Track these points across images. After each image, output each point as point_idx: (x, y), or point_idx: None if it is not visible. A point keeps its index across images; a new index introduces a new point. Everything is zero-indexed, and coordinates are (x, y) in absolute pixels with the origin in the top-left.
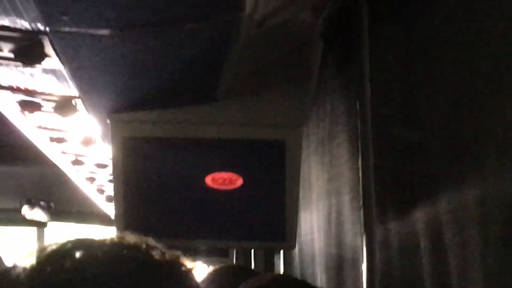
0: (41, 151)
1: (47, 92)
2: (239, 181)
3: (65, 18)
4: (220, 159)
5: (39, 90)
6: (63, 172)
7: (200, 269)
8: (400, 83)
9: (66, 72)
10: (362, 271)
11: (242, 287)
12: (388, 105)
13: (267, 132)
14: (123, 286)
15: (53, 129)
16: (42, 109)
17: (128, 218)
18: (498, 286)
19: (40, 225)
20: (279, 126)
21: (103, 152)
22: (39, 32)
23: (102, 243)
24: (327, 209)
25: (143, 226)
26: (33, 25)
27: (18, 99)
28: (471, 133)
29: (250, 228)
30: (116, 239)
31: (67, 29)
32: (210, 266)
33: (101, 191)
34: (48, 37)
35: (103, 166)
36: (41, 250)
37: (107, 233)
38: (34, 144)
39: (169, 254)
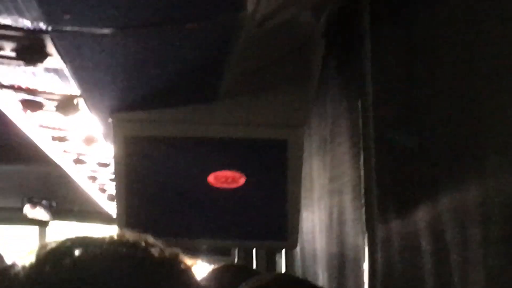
0: (43, 150)
1: (49, 91)
2: (242, 180)
3: (67, 17)
4: (222, 158)
5: (41, 89)
6: (64, 171)
7: (201, 268)
8: (401, 83)
9: (68, 71)
10: (363, 270)
11: (243, 287)
12: (390, 105)
13: (269, 131)
14: (122, 284)
15: (54, 128)
16: (44, 108)
17: (130, 217)
18: (500, 286)
19: (42, 224)
20: (281, 126)
21: (105, 151)
22: (41, 31)
23: (101, 241)
24: (328, 208)
25: (145, 225)
26: (35, 24)
27: (20, 98)
28: (472, 132)
29: (251, 227)
30: (115, 237)
31: (69, 28)
32: (212, 265)
33: (102, 190)
34: (50, 36)
35: (105, 165)
36: (41, 248)
37: (109, 232)
38: (35, 143)
39: (168, 252)
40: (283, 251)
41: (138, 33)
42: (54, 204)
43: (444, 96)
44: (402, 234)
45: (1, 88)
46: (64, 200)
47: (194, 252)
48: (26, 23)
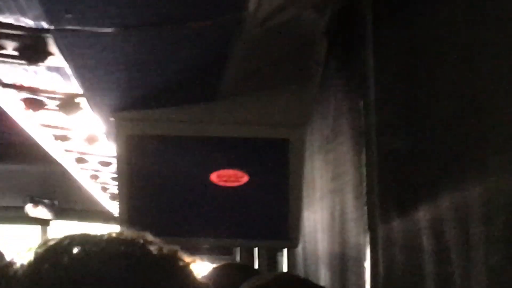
0: (45, 149)
1: (50, 90)
2: (244, 178)
3: (68, 16)
4: (224, 157)
5: (42, 88)
6: (66, 170)
7: (203, 267)
8: (403, 82)
9: (70, 70)
10: (365, 269)
11: (244, 286)
12: (391, 104)
13: (271, 130)
14: (121, 282)
15: (57, 127)
16: (46, 107)
17: (132, 216)
18: (502, 285)
19: (44, 223)
20: (283, 125)
21: (107, 150)
22: (43, 30)
23: (99, 239)
24: (330, 207)
25: (147, 224)
26: (37, 23)
27: (22, 97)
28: (473, 132)
29: (253, 227)
30: (113, 235)
31: (70, 27)
32: (213, 264)
33: (104, 189)
34: (52, 35)
35: (107, 164)
36: (39, 246)
37: (108, 229)
38: (37, 142)
39: (166, 249)
40: (285, 250)
41: (139, 32)
42: (56, 203)
43: (445, 96)
44: (403, 233)
45: (3, 87)
46: (66, 199)
47: (196, 251)
48: (28, 22)
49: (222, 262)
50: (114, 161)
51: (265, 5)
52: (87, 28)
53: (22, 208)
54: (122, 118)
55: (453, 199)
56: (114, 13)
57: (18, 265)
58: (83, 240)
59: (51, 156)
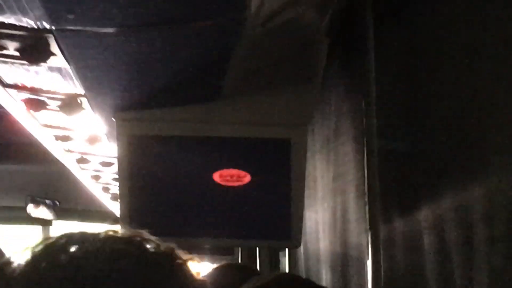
0: (46, 150)
1: (52, 90)
2: (247, 178)
3: (70, 16)
4: (226, 157)
5: (44, 89)
6: (68, 170)
7: (204, 267)
8: (404, 82)
9: (72, 70)
10: (366, 269)
11: (245, 286)
12: (393, 104)
13: (273, 130)
14: (118, 280)
15: (58, 128)
16: (47, 107)
17: (133, 216)
18: (503, 284)
19: (46, 223)
20: (285, 125)
21: (108, 150)
22: (45, 30)
23: (96, 238)
24: (332, 207)
25: (148, 224)
26: (38, 24)
27: (24, 98)
28: (475, 132)
29: (255, 227)
30: (110, 233)
31: (72, 27)
32: (215, 264)
33: (106, 190)
34: (54, 36)
35: (109, 164)
36: (36, 245)
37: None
38: (39, 143)
39: (163, 247)
40: (287, 250)
41: (141, 32)
42: (57, 203)
43: (446, 96)
44: (405, 233)
45: (5, 88)
46: (68, 199)
47: (197, 251)
48: (29, 22)
49: (223, 262)
50: (116, 162)
51: (267, 6)
52: (88, 29)
53: (24, 208)
54: (123, 118)
55: (454, 199)
56: (116, 13)
57: (15, 264)
58: (80, 238)
59: (52, 157)
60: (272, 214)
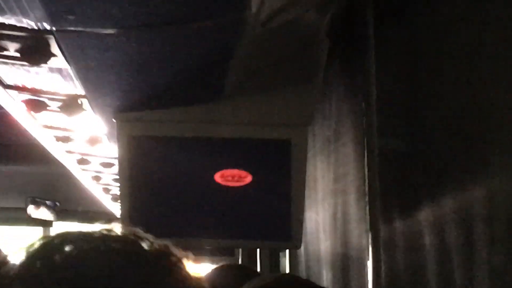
0: (47, 151)
1: (53, 91)
2: (248, 178)
3: (71, 17)
4: (226, 158)
5: (45, 90)
6: (69, 171)
7: (204, 268)
8: (405, 82)
9: (72, 71)
10: (367, 270)
11: (246, 287)
12: (393, 105)
13: (273, 131)
14: (113, 279)
15: (58, 129)
16: (48, 108)
17: (134, 217)
18: (504, 284)
19: (46, 224)
20: (285, 125)
21: (109, 151)
22: (45, 31)
23: (91, 237)
24: (332, 208)
25: (149, 225)
26: (39, 24)
27: (24, 99)
28: (476, 132)
29: (255, 227)
30: (104, 232)
31: (73, 28)
32: (215, 265)
33: (107, 190)
34: (54, 36)
35: (109, 165)
36: (31, 245)
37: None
38: (40, 144)
39: (158, 245)
40: (287, 251)
41: (142, 33)
42: (58, 204)
43: (447, 96)
44: (405, 234)
45: (6, 89)
46: (68, 200)
47: (198, 252)
48: (30, 23)
49: (223, 263)
50: (116, 162)
51: (267, 6)
52: (89, 29)
53: (24, 209)
54: (124, 119)
55: (454, 199)
56: (116, 14)
57: (10, 264)
58: (75, 238)
59: (53, 158)
60: (273, 214)
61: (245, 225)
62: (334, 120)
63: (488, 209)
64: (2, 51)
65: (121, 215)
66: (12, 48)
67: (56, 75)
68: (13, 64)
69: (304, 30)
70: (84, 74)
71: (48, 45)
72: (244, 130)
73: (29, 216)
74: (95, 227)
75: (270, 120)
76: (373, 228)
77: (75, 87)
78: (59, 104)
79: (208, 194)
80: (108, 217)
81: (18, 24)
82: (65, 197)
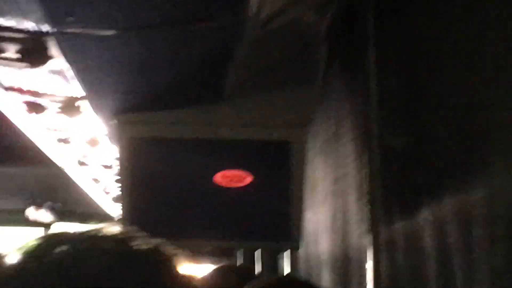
0: (46, 152)
1: (52, 93)
2: (248, 179)
3: (70, 19)
4: (226, 159)
5: (44, 91)
6: (68, 173)
7: (205, 269)
8: (405, 83)
9: (72, 72)
10: (367, 271)
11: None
12: (394, 105)
13: (273, 132)
14: (106, 278)
15: (58, 130)
16: (48, 110)
17: (134, 218)
18: (504, 285)
19: (46, 225)
20: (285, 127)
21: (108, 153)
22: (45, 33)
23: (83, 237)
24: (333, 209)
25: (150, 226)
26: (38, 26)
27: (24, 100)
28: (476, 133)
29: (255, 228)
30: (95, 232)
31: (72, 30)
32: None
33: (106, 192)
34: (54, 38)
35: (108, 167)
36: (24, 246)
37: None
38: (39, 145)
39: (149, 243)
40: (287, 252)
41: (141, 34)
42: (58, 206)
43: (447, 97)
44: (406, 235)
45: (5, 90)
46: (68, 202)
47: (198, 253)
48: (29, 25)
49: (223, 264)
50: (115, 164)
51: (267, 7)
52: (88, 31)
53: (24, 210)
54: (124, 120)
55: (455, 200)
56: (116, 15)
57: (5, 265)
58: (67, 238)
59: (53, 159)
60: (273, 215)
61: (245, 226)
62: (334, 120)
63: (489, 209)
64: (2, 53)
65: (121, 216)
66: (11, 50)
67: (56, 77)
68: (12, 66)
69: (303, 31)
70: (84, 75)
71: (47, 47)
72: (244, 131)
73: (29, 218)
74: (88, 227)
75: (270, 121)
76: (373, 229)
77: (75, 89)
78: (59, 105)
79: (208, 195)
80: (108, 219)
81: (18, 26)
82: (65, 198)
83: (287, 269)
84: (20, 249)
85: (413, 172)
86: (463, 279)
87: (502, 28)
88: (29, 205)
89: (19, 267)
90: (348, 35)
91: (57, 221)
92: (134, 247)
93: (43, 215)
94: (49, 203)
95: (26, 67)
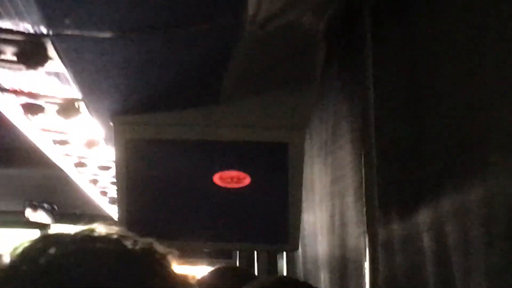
0: (44, 154)
1: (49, 95)
2: (247, 180)
3: (67, 21)
4: (224, 160)
5: (42, 93)
6: (66, 174)
7: (202, 270)
8: (403, 84)
9: (69, 74)
10: (365, 272)
11: None
12: (391, 107)
13: (270, 134)
14: (98, 279)
15: (56, 132)
16: (45, 111)
17: (131, 220)
18: (503, 286)
19: (43, 227)
20: (282, 128)
21: (106, 154)
22: (42, 35)
23: (74, 238)
24: (330, 210)
25: (146, 228)
26: (35, 28)
27: (21, 102)
28: (474, 133)
29: (253, 230)
30: (86, 232)
31: (69, 31)
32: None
33: (104, 193)
34: (51, 40)
35: (106, 168)
36: (15, 249)
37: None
38: (37, 147)
39: (141, 243)
40: (284, 253)
41: (138, 36)
42: (55, 207)
43: (446, 97)
44: (403, 236)
45: (3, 92)
46: (66, 203)
47: (196, 255)
48: (26, 26)
49: (220, 265)
50: (113, 165)
51: (264, 8)
52: (85, 33)
53: (22, 212)
54: (121, 122)
55: (453, 201)
56: (113, 17)
57: None
58: (58, 239)
59: (50, 161)
60: (270, 217)
61: (243, 228)
62: (331, 122)
63: (487, 210)
64: None
65: (118, 217)
66: (8, 52)
67: (53, 79)
68: (10, 68)
69: (301, 32)
70: (81, 77)
71: (44, 49)
72: (241, 132)
73: (27, 219)
74: (79, 228)
75: (267, 122)
76: (371, 230)
77: (72, 91)
78: (56, 107)
79: (205, 197)
80: (107, 220)
81: (15, 28)
82: (63, 200)
83: (284, 271)
84: (13, 250)
85: (411, 173)
86: (461, 279)
87: (502, 28)
88: (27, 206)
89: (11, 270)
90: (346, 36)
91: (55, 222)
92: (127, 247)
93: (40, 216)
94: (46, 204)
95: (23, 69)
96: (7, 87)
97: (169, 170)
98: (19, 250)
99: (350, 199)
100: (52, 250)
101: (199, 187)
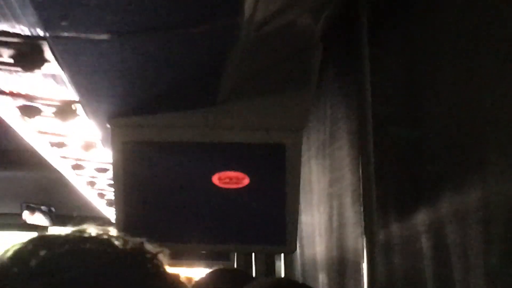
0: (41, 156)
1: (46, 97)
2: (246, 180)
3: (64, 23)
4: (222, 161)
5: (39, 95)
6: (63, 176)
7: (200, 272)
8: (400, 85)
9: (66, 77)
10: (363, 273)
11: None
12: (389, 108)
13: (267, 135)
14: (90, 279)
15: (53, 134)
16: (42, 114)
17: (128, 222)
18: (501, 286)
19: (41, 229)
20: (279, 130)
21: (103, 156)
22: (39, 37)
23: (65, 239)
24: (328, 212)
25: (144, 230)
26: (32, 30)
27: (18, 104)
28: (473, 135)
29: (250, 231)
30: (76, 234)
31: (66, 34)
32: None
33: (101, 195)
34: (48, 42)
35: (103, 170)
36: (5, 252)
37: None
38: (34, 149)
39: (132, 242)
40: (282, 255)
41: (135, 38)
42: (52, 209)
43: (444, 99)
44: (401, 237)
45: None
46: (63, 205)
47: (193, 257)
48: (23, 29)
49: (217, 267)
50: (110, 168)
51: (261, 10)
52: (82, 35)
53: (19, 215)
54: (118, 124)
55: (452, 202)
56: (110, 20)
57: None
58: (48, 241)
59: (47, 163)
60: (268, 218)
61: (240, 229)
62: (329, 123)
63: (486, 211)
64: None
65: (115, 220)
66: (5, 54)
67: (50, 81)
68: (7, 70)
69: (298, 34)
70: (78, 79)
71: (41, 51)
72: (238, 134)
73: (24, 222)
74: (68, 230)
75: (265, 124)
76: (368, 232)
77: (69, 93)
78: (53, 109)
79: (202, 199)
80: (104, 222)
81: (11, 30)
82: (60, 202)
83: (282, 272)
84: (4, 253)
85: (409, 174)
86: (459, 281)
87: (502, 28)
88: (24, 209)
89: (3, 271)
90: (342, 38)
91: (52, 225)
92: (118, 247)
93: (38, 219)
94: (44, 207)
95: (20, 71)
96: (4, 89)
97: (167, 172)
98: (10, 252)
99: (348, 200)
100: (42, 252)
101: (195, 189)
